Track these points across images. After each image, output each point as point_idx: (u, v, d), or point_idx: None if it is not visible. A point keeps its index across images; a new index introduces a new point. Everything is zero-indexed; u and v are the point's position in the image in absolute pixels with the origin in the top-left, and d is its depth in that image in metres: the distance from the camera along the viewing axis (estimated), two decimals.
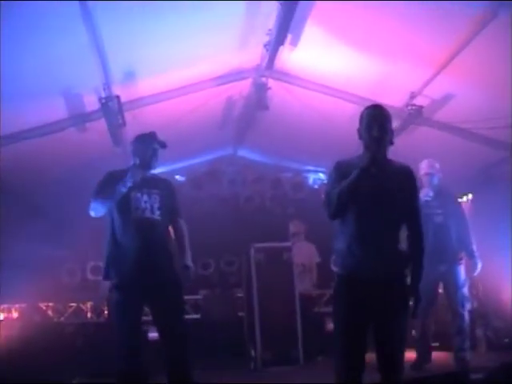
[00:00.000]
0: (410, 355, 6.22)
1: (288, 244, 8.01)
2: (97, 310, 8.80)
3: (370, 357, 3.43)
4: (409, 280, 3.57)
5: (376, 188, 3.47)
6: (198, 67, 6.57)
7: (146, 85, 6.57)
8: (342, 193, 3.43)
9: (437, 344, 7.15)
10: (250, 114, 7.68)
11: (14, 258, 8.10)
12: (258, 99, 7.03)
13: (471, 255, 6.24)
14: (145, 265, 4.62)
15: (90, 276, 9.90)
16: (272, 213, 10.52)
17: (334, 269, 3.67)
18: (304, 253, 8.64)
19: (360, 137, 3.60)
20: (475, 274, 6.33)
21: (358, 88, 6.89)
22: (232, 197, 10.57)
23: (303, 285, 8.37)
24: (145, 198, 4.76)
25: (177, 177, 9.94)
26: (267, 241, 7.89)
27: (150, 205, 4.75)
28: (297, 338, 7.34)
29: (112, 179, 4.75)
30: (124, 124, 6.62)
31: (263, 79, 6.90)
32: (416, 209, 3.69)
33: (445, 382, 3.96)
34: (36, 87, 5.77)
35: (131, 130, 6.44)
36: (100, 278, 9.31)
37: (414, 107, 6.85)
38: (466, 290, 6.22)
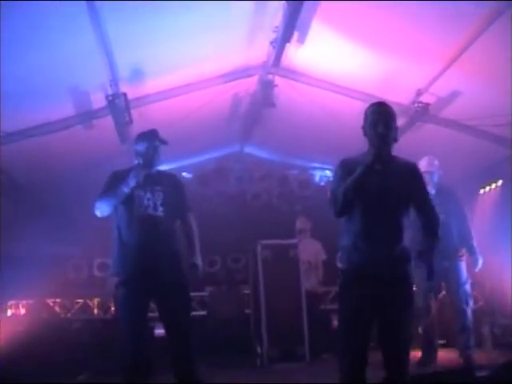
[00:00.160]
0: (416, 353, 6.24)
1: (294, 241, 8.01)
2: (103, 307, 8.81)
3: (376, 354, 3.44)
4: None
5: (381, 185, 3.48)
6: (205, 65, 6.59)
7: (152, 82, 6.58)
8: (347, 190, 3.44)
9: (443, 342, 7.14)
10: (257, 111, 7.69)
11: (21, 254, 8.15)
12: (265, 96, 7.03)
13: (472, 251, 6.23)
14: (148, 262, 4.63)
15: (96, 272, 9.94)
16: (279, 210, 10.53)
17: (340, 265, 3.68)
18: (310, 250, 8.64)
19: (365, 134, 3.61)
20: (476, 269, 6.31)
21: (365, 85, 6.89)
22: (239, 194, 10.58)
23: (309, 282, 8.38)
24: (148, 195, 4.76)
25: (184, 174, 9.95)
26: (274, 238, 7.89)
27: (153, 202, 4.75)
28: (303, 335, 7.34)
29: (116, 179, 4.77)
30: (131, 121, 6.64)
31: (270, 76, 6.91)
32: (428, 199, 3.72)
33: (450, 379, 3.97)
34: (43, 85, 5.79)
35: (138, 128, 6.46)
36: (107, 274, 9.42)
37: (420, 104, 6.84)
38: (468, 287, 6.22)
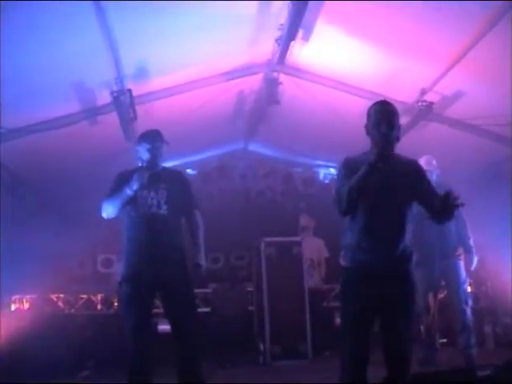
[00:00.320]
0: (417, 352, 6.26)
1: (298, 239, 8.04)
2: (107, 302, 8.85)
3: (377, 353, 3.46)
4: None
5: (384, 183, 3.50)
6: (210, 62, 6.58)
7: (157, 80, 6.58)
8: (351, 190, 3.45)
9: (444, 341, 7.16)
10: (261, 108, 7.69)
11: (25, 249, 8.17)
12: (270, 94, 7.02)
13: (468, 250, 6.26)
14: (152, 260, 4.66)
15: (100, 268, 9.98)
16: (282, 207, 10.55)
17: (343, 263, 3.69)
18: (313, 248, 8.66)
19: (367, 133, 3.62)
20: (472, 268, 6.34)
21: (369, 83, 6.89)
22: (243, 191, 10.58)
23: (312, 280, 8.41)
24: (152, 194, 4.79)
25: (188, 170, 9.95)
26: (277, 235, 7.93)
27: (156, 200, 4.78)
28: (305, 332, 7.38)
29: (121, 181, 4.82)
30: (135, 118, 6.65)
31: (275, 74, 6.90)
32: (435, 190, 3.69)
33: (451, 378, 3.98)
34: (49, 81, 5.80)
35: (142, 124, 6.48)
36: (110, 270, 9.45)
37: (424, 103, 6.84)
38: (467, 287, 6.25)
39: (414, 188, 3.63)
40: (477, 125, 7.20)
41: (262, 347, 7.39)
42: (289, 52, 6.34)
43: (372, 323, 3.52)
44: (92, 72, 5.99)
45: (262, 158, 10.53)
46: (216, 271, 10.08)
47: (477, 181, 8.51)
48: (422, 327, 6.31)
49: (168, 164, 5.09)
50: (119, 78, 6.17)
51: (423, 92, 6.79)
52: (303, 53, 6.49)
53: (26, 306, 8.63)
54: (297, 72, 7.02)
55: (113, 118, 6.65)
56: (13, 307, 8.52)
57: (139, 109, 6.64)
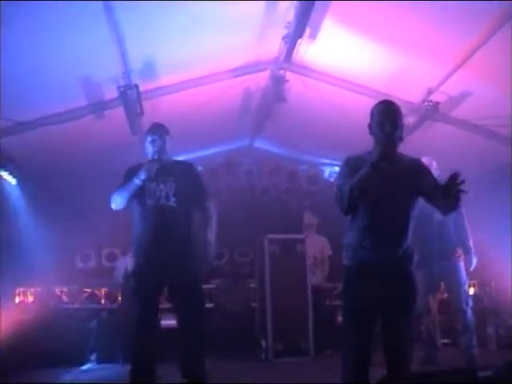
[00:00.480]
0: (419, 352, 6.27)
1: (301, 236, 8.05)
2: (111, 297, 8.87)
3: (377, 353, 3.47)
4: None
5: (386, 183, 3.50)
6: (217, 59, 6.59)
7: (164, 75, 6.59)
8: (353, 188, 3.46)
9: (447, 341, 7.17)
10: (268, 105, 7.69)
11: (30, 242, 8.21)
12: (276, 92, 7.02)
13: (467, 251, 6.25)
14: (160, 253, 4.69)
15: (104, 262, 10.03)
16: (287, 205, 10.56)
17: (344, 262, 3.70)
18: (316, 245, 8.66)
19: (371, 132, 3.62)
20: (471, 269, 6.33)
21: (376, 82, 6.88)
22: (248, 188, 10.59)
23: (315, 277, 8.40)
24: (161, 186, 4.82)
25: None
26: (281, 232, 7.94)
27: (165, 192, 4.80)
28: (308, 330, 7.39)
29: (130, 174, 4.88)
30: (142, 113, 6.67)
31: (281, 72, 6.90)
32: (437, 181, 3.69)
33: (452, 378, 3.98)
34: (56, 76, 5.83)
35: (149, 120, 6.50)
36: (114, 264, 9.49)
37: (430, 103, 6.84)
38: (467, 287, 6.25)
39: (419, 186, 3.62)
40: (483, 125, 7.20)
41: (264, 344, 7.41)
42: (295, 50, 6.33)
43: (373, 322, 3.52)
44: (99, 67, 6.01)
45: (267, 154, 10.53)
46: (219, 267, 10.09)
47: (482, 182, 8.49)
48: (422, 327, 6.31)
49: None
50: (126, 73, 6.18)
51: (429, 92, 6.78)
52: (310, 51, 6.50)
53: (31, 298, 8.66)
54: (303, 70, 7.02)
55: (119, 112, 6.68)
56: (17, 300, 8.55)
57: (146, 104, 6.66)
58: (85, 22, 5.17)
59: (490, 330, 7.68)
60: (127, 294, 5.64)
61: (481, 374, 4.35)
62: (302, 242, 7.79)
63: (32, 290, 8.66)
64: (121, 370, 6.20)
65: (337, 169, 10.17)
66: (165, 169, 4.86)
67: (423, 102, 6.89)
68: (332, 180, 10.46)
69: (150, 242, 4.74)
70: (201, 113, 7.49)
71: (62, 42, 5.34)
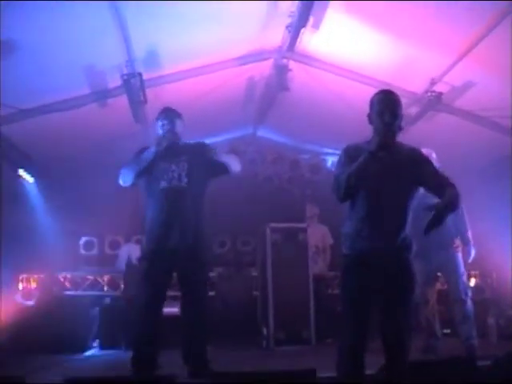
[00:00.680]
0: (419, 342, 6.30)
1: (303, 225, 8.04)
2: (113, 284, 8.90)
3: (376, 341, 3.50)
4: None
5: (385, 172, 3.51)
6: (220, 47, 6.60)
7: (167, 64, 6.61)
8: (349, 176, 3.47)
9: (448, 331, 7.18)
10: (271, 94, 7.69)
11: (34, 229, 8.24)
12: (279, 81, 7.03)
13: (466, 242, 6.24)
14: (170, 236, 4.70)
15: (107, 250, 10.05)
16: (289, 194, 10.56)
17: (343, 251, 3.71)
18: (317, 235, 8.65)
19: (370, 122, 3.63)
20: (469, 260, 6.33)
21: (379, 72, 6.89)
22: (251, 176, 10.57)
23: (317, 266, 8.41)
24: (172, 167, 4.82)
25: None
26: (284, 222, 7.94)
27: (177, 173, 4.80)
28: (309, 318, 7.40)
29: (141, 151, 4.88)
30: (145, 101, 6.68)
31: (284, 61, 6.91)
32: (437, 169, 3.70)
33: (451, 367, 4.01)
34: (60, 63, 5.85)
35: (152, 108, 6.51)
36: (117, 252, 9.52)
37: (433, 93, 6.84)
38: (465, 278, 6.25)
39: (419, 176, 3.62)
40: (486, 116, 7.19)
41: (265, 332, 7.43)
42: (299, 39, 6.35)
43: (371, 311, 3.53)
44: (103, 55, 6.04)
45: (270, 143, 10.53)
46: (222, 255, 10.12)
47: (485, 173, 8.51)
48: (421, 317, 6.32)
49: None
50: (130, 62, 6.20)
51: (433, 82, 6.79)
52: (313, 40, 6.51)
53: (34, 285, 8.69)
54: (306, 59, 7.03)
55: (123, 100, 6.69)
56: (20, 286, 8.59)
57: (149, 92, 6.68)
58: (88, 10, 5.18)
59: (491, 320, 7.67)
60: (136, 279, 5.67)
61: (480, 363, 4.39)
62: (304, 231, 7.79)
63: (35, 276, 8.69)
64: (123, 356, 6.24)
65: None
66: (176, 149, 4.87)
67: (426, 92, 6.89)
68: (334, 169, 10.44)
69: (162, 225, 4.74)
70: (204, 101, 7.49)
71: (65, 30, 5.35)
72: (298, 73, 7.06)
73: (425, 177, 3.63)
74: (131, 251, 8.93)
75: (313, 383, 3.81)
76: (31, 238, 8.06)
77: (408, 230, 3.62)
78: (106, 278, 8.97)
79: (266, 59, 7.18)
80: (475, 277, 8.99)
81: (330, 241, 8.81)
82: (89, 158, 7.89)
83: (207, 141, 5.24)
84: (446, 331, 7.05)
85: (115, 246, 9.97)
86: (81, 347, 7.10)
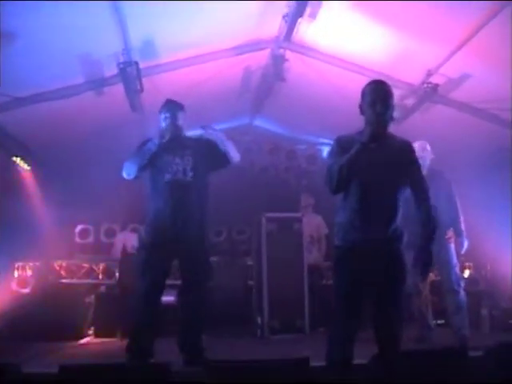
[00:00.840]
0: (412, 332, 6.34)
1: (298, 215, 8.06)
2: (109, 272, 8.92)
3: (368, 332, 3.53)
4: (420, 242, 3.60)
5: (377, 163, 3.52)
6: (217, 36, 6.59)
7: (164, 53, 6.60)
8: (342, 168, 3.48)
9: (441, 321, 7.22)
10: (268, 84, 7.69)
11: (30, 216, 8.25)
12: (276, 71, 7.03)
13: (459, 234, 6.25)
14: (173, 228, 4.72)
15: (103, 238, 10.07)
16: (286, 184, 10.58)
17: (335, 242, 3.72)
18: (312, 224, 8.67)
19: (361, 112, 3.63)
20: (462, 252, 6.35)
21: (375, 63, 6.88)
22: (247, 166, 10.58)
23: (311, 256, 8.44)
24: (177, 160, 4.83)
25: None
26: (280, 211, 7.95)
27: (182, 167, 4.82)
28: (303, 308, 7.44)
29: (145, 143, 4.89)
30: (142, 90, 6.68)
31: (281, 51, 6.91)
32: (421, 178, 3.73)
33: (442, 356, 4.04)
34: (57, 52, 5.84)
35: (149, 97, 6.52)
36: (112, 240, 9.54)
37: (429, 85, 6.84)
38: (458, 269, 6.26)
39: (403, 168, 3.65)
40: (483, 108, 7.20)
41: (259, 321, 7.46)
42: (295, 29, 6.34)
43: (362, 301, 3.55)
44: (99, 44, 6.03)
45: (267, 133, 10.54)
46: (217, 244, 10.13)
47: (481, 165, 8.53)
48: (413, 308, 6.35)
49: None
50: (126, 50, 6.19)
51: (429, 74, 6.78)
52: (310, 30, 6.50)
53: (29, 272, 8.69)
54: (303, 49, 7.02)
55: (119, 89, 6.68)
56: (16, 273, 8.60)
57: (146, 81, 6.67)
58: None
59: (484, 312, 7.71)
60: (131, 267, 5.70)
61: (472, 354, 4.42)
62: (299, 220, 7.81)
63: (31, 264, 8.69)
64: (118, 344, 6.27)
65: None
66: (179, 142, 4.89)
67: (422, 83, 6.89)
68: None
69: (166, 217, 4.76)
70: (201, 90, 7.49)
71: (61, 19, 5.33)
72: (294, 63, 7.06)
73: (407, 174, 3.64)
74: (127, 239, 8.94)
75: (306, 372, 3.83)
76: (27, 226, 8.06)
77: (399, 220, 3.64)
78: (101, 266, 8.97)
79: (262, 49, 7.18)
80: (469, 268, 9.02)
81: (325, 230, 8.83)
82: (85, 146, 7.88)
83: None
84: (439, 322, 7.09)
85: (111, 234, 9.99)
86: (76, 335, 7.13)
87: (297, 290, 7.48)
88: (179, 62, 6.92)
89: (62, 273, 8.84)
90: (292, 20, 6.09)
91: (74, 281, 8.71)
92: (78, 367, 3.73)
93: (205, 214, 4.95)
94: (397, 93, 6.85)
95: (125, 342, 4.82)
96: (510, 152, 7.54)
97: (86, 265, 8.98)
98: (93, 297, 7.84)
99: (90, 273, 8.93)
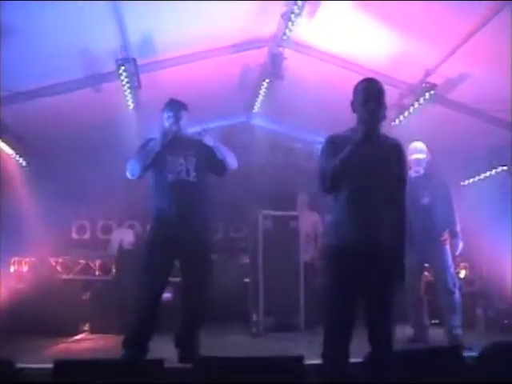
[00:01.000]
0: (407, 331, 6.35)
1: (295, 213, 8.07)
2: (105, 268, 8.92)
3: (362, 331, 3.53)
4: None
5: (369, 161, 3.49)
6: (216, 34, 6.59)
7: (162, 49, 6.60)
8: (335, 168, 3.46)
9: (436, 321, 7.23)
10: (266, 83, 7.68)
11: (27, 212, 8.24)
12: (274, 69, 7.03)
13: (454, 235, 6.25)
14: (176, 228, 4.73)
15: (99, 234, 10.07)
16: (282, 182, 10.56)
17: (329, 240, 3.69)
18: (308, 222, 8.64)
19: (354, 110, 3.62)
20: (456, 253, 6.35)
21: (373, 62, 6.88)
22: (244, 164, 10.55)
23: (307, 254, 8.43)
24: (180, 160, 4.84)
25: None
26: (277, 209, 7.96)
27: (185, 167, 4.83)
28: (299, 305, 7.44)
29: (147, 143, 4.89)
30: (140, 86, 6.68)
31: (279, 49, 6.91)
32: (403, 182, 3.70)
33: (435, 356, 4.06)
34: (55, 47, 5.84)
35: (147, 93, 6.52)
36: (109, 236, 9.53)
37: (428, 85, 6.85)
38: (453, 270, 6.27)
39: (392, 171, 3.63)
40: (480, 109, 7.21)
41: (255, 318, 7.46)
42: (294, 28, 6.33)
43: (355, 300, 3.53)
44: (97, 40, 6.03)
45: (264, 131, 10.52)
46: (214, 242, 10.12)
47: (478, 165, 8.55)
48: (408, 307, 6.35)
49: None
50: (124, 47, 6.19)
51: (427, 73, 6.79)
52: (308, 29, 6.50)
53: (25, 268, 8.69)
54: (301, 48, 7.02)
55: (117, 85, 6.68)
56: (12, 269, 8.59)
57: (144, 78, 6.67)
58: None
59: (479, 312, 7.72)
60: (127, 264, 5.70)
61: (466, 353, 4.44)
62: (296, 218, 7.82)
63: (27, 259, 8.69)
64: (113, 340, 6.27)
65: None
66: (182, 142, 4.89)
67: (421, 83, 6.90)
68: None
69: (170, 218, 4.77)
70: (199, 88, 7.47)
71: (60, 15, 5.33)
72: (292, 61, 7.06)
73: (394, 178, 3.63)
74: (123, 236, 8.94)
75: (300, 370, 3.84)
76: (23, 222, 8.06)
77: (390, 219, 3.61)
78: (97, 262, 8.97)
79: (261, 47, 7.18)
80: (465, 269, 9.04)
81: (320, 228, 8.81)
82: (82, 142, 7.87)
83: (201, 127, 5.25)
84: (434, 321, 7.10)
85: (107, 230, 9.99)
86: (71, 331, 7.13)
87: (292, 287, 7.49)
88: (177, 59, 6.91)
89: (59, 269, 8.84)
90: (290, 18, 6.08)
91: (71, 277, 8.70)
92: (74, 363, 3.74)
93: (208, 213, 4.96)
94: (395, 92, 6.92)
95: (120, 338, 4.81)
96: (508, 152, 7.56)
97: (82, 261, 8.97)
98: (89, 293, 7.84)
99: (87, 269, 8.93)
